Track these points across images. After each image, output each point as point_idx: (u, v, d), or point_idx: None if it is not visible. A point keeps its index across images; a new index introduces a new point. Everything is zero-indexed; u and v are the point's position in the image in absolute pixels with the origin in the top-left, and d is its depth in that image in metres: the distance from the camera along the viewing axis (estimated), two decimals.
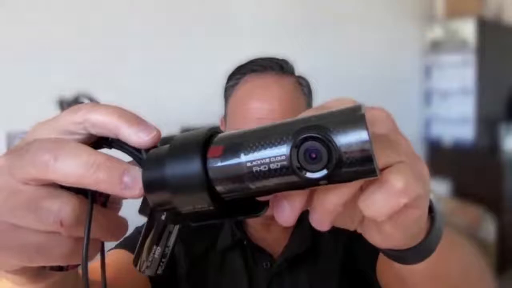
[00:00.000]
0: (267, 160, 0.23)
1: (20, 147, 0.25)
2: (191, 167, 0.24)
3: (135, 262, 0.30)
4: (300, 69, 0.70)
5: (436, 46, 2.76)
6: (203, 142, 0.24)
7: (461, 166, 2.66)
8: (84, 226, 0.25)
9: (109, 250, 0.62)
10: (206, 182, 0.24)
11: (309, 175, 0.22)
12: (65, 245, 0.25)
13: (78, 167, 0.24)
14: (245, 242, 0.67)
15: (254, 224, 0.70)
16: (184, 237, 0.68)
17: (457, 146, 2.68)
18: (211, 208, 0.24)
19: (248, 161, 0.23)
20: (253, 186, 0.24)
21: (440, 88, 2.75)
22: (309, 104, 0.68)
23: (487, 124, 2.65)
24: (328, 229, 0.26)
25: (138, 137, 0.26)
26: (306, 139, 0.22)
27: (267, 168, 0.23)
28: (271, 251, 0.68)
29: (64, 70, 1.35)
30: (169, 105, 1.57)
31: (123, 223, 0.28)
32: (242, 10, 1.83)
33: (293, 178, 0.23)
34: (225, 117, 0.69)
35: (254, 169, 0.23)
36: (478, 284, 0.41)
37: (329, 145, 0.22)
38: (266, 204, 0.27)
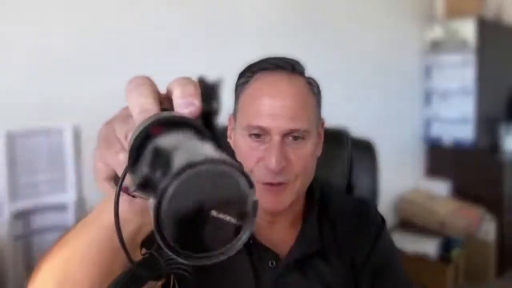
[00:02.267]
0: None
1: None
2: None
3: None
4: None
5: (436, 46, 2.76)
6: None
7: (461, 166, 2.66)
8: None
9: None
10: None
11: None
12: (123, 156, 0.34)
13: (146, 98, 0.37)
14: (250, 241, 0.67)
15: (259, 223, 0.70)
16: None
17: (457, 146, 2.68)
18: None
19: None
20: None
21: (440, 88, 2.75)
22: (318, 104, 0.69)
23: (487, 124, 2.65)
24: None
25: (180, 108, 0.35)
26: None
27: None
28: (277, 250, 0.68)
29: (64, 70, 1.35)
30: None
31: None
32: (243, 10, 1.83)
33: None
34: (234, 115, 0.70)
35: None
36: None
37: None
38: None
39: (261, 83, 0.65)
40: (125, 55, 1.48)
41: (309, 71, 0.70)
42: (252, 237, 0.68)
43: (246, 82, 0.67)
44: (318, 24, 2.12)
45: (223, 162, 0.25)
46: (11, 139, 1.26)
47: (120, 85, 1.52)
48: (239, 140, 0.66)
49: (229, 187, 0.26)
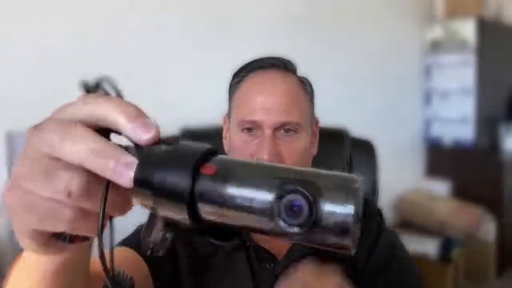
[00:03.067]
0: (251, 198, 0.23)
1: (40, 123, 0.29)
2: (181, 174, 0.24)
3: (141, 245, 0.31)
4: (300, 69, 0.70)
5: (436, 46, 2.76)
6: (201, 155, 0.25)
7: (461, 166, 2.66)
8: (90, 199, 0.26)
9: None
10: (189, 195, 0.24)
11: (283, 226, 0.22)
12: (71, 214, 0.27)
13: (79, 151, 0.26)
14: (248, 243, 0.67)
15: None
16: (186, 238, 0.68)
17: (457, 146, 2.68)
18: (186, 220, 0.25)
19: (234, 193, 0.23)
20: (230, 216, 0.24)
21: (440, 88, 2.75)
22: (311, 102, 0.69)
23: (487, 124, 2.65)
24: None
25: (136, 134, 0.28)
26: (294, 191, 0.22)
27: (248, 205, 0.23)
28: (274, 251, 0.68)
29: (64, 70, 1.35)
30: (169, 105, 1.57)
31: (130, 201, 0.30)
32: (243, 10, 1.83)
33: (268, 224, 0.23)
34: (228, 115, 0.70)
35: (237, 201, 0.23)
36: None
37: (313, 206, 0.22)
38: (237, 235, 0.28)
39: (254, 81, 0.67)
40: (125, 55, 1.48)
41: (309, 71, 0.70)
42: (249, 239, 0.68)
43: (240, 81, 0.68)
44: (318, 25, 2.12)
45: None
46: (11, 139, 1.26)
47: (119, 85, 1.50)
48: (233, 137, 0.67)
49: None
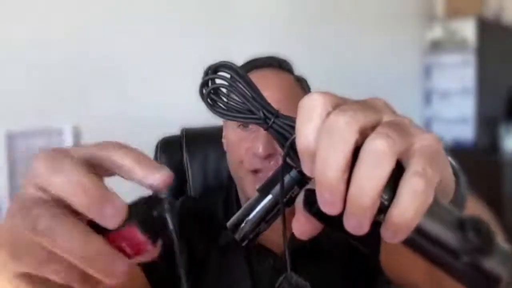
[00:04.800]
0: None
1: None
2: None
3: (234, 229, 0.31)
4: (299, 69, 0.71)
5: (436, 46, 2.76)
6: None
7: (461, 166, 2.65)
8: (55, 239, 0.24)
9: None
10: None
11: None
12: (38, 254, 0.25)
13: (67, 186, 0.24)
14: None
15: None
16: (185, 234, 0.68)
17: (457, 146, 2.68)
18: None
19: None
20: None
21: (440, 88, 2.75)
22: None
23: (487, 124, 2.65)
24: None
25: (150, 182, 0.26)
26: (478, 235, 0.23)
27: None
28: (274, 248, 0.68)
29: (64, 70, 1.35)
30: (169, 105, 1.57)
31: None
32: (242, 10, 1.83)
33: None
34: None
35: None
36: None
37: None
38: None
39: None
40: (125, 55, 1.48)
41: (307, 70, 0.71)
42: None
43: None
44: (318, 24, 2.12)
45: None
46: (11, 139, 1.26)
47: (120, 85, 1.52)
48: (229, 133, 0.68)
49: None
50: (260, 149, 0.62)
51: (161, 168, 0.26)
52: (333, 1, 2.20)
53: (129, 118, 1.47)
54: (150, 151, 1.00)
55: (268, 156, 0.63)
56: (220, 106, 0.31)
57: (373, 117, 0.25)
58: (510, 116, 2.73)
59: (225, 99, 0.31)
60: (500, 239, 0.24)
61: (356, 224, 0.23)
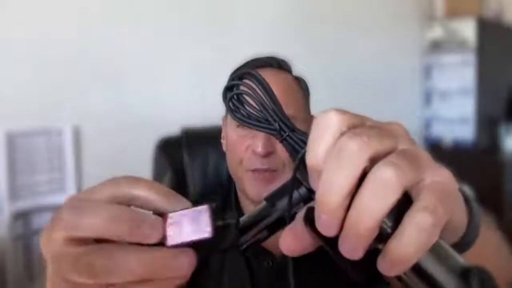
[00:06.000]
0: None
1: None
2: None
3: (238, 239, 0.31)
4: (300, 69, 0.71)
5: (436, 46, 2.76)
6: None
7: (461, 166, 2.64)
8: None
9: None
10: None
11: None
12: None
13: (99, 221, 0.25)
14: None
15: None
16: None
17: (457, 146, 2.68)
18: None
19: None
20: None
21: (440, 88, 2.75)
22: (307, 100, 0.70)
23: (487, 124, 2.65)
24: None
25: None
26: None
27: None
28: (273, 250, 0.68)
29: (63, 70, 1.35)
30: (169, 105, 1.57)
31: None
32: (242, 10, 1.83)
33: None
34: (226, 115, 0.71)
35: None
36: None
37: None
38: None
39: None
40: (125, 55, 1.48)
41: (309, 71, 0.70)
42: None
43: None
44: (318, 24, 2.12)
45: None
46: (11, 139, 1.26)
47: (120, 85, 1.51)
48: (229, 133, 0.68)
49: None
50: (260, 147, 0.62)
51: (180, 199, 0.28)
52: (333, 1, 2.20)
53: (129, 118, 1.47)
54: (150, 151, 1.00)
55: (268, 155, 0.63)
56: (241, 112, 0.32)
57: (387, 145, 0.23)
58: (510, 116, 2.73)
59: (246, 107, 0.32)
60: None
61: (350, 249, 0.23)
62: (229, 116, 0.69)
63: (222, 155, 0.73)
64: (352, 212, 0.22)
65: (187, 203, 0.28)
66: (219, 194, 0.77)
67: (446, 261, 0.23)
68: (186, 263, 0.26)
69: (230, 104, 0.32)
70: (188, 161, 0.93)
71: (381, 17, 2.48)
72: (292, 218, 0.29)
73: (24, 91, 1.28)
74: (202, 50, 1.68)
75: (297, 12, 2.04)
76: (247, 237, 0.31)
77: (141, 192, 0.27)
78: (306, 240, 0.26)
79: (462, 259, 0.24)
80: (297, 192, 0.29)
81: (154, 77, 1.55)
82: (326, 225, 0.23)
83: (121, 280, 0.25)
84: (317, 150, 0.24)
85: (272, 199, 0.30)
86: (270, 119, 0.31)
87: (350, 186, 0.22)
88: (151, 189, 0.27)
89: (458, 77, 2.65)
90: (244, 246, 0.31)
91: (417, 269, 0.23)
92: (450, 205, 0.24)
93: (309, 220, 0.25)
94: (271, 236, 0.31)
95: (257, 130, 0.32)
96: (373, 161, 0.23)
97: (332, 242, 0.24)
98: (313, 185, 0.25)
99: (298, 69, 0.71)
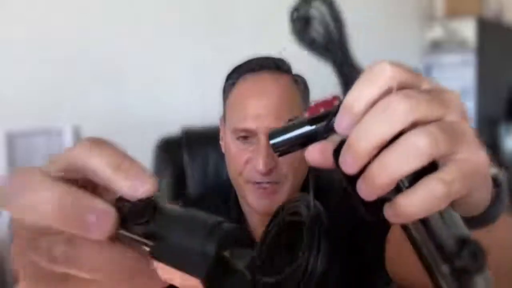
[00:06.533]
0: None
1: None
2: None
3: (271, 136, 0.31)
4: (300, 68, 0.70)
5: (436, 46, 2.76)
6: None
7: None
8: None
9: None
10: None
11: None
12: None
13: (37, 204, 0.21)
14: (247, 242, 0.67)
15: (253, 223, 0.70)
16: None
17: None
18: None
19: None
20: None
21: None
22: (306, 101, 0.68)
23: (487, 124, 2.65)
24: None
25: (131, 192, 0.23)
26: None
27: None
28: None
29: (63, 70, 1.35)
30: (169, 105, 1.57)
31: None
32: (242, 10, 1.83)
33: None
34: (224, 117, 0.70)
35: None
36: None
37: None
38: None
39: (245, 85, 0.65)
40: (125, 55, 1.48)
41: (309, 71, 0.69)
42: (248, 238, 0.68)
43: (232, 84, 0.67)
44: None
45: None
46: (11, 139, 1.26)
47: (120, 85, 1.52)
48: (228, 144, 0.66)
49: None
50: (261, 165, 0.60)
51: (147, 176, 0.23)
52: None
53: (129, 118, 1.47)
54: (150, 151, 1.00)
55: (269, 171, 0.62)
56: (304, 36, 0.31)
57: (434, 114, 0.24)
58: (510, 116, 2.73)
59: (311, 31, 0.31)
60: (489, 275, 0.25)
61: (365, 192, 0.24)
62: (226, 124, 0.68)
63: (222, 155, 0.73)
64: (375, 163, 0.23)
65: (153, 184, 0.23)
66: (219, 194, 0.77)
67: (449, 226, 0.25)
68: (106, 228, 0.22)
69: (296, 25, 0.31)
70: (188, 161, 0.93)
71: (381, 17, 2.48)
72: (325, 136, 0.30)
73: (24, 91, 1.28)
74: (202, 50, 1.67)
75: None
76: (280, 143, 0.31)
77: (95, 165, 0.23)
78: (329, 160, 0.26)
79: (466, 230, 0.25)
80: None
81: (154, 77, 1.55)
82: (348, 165, 0.24)
83: (80, 274, 0.22)
84: (360, 93, 0.25)
85: (313, 120, 0.30)
86: (332, 49, 0.30)
87: (384, 140, 0.23)
88: (106, 163, 0.23)
89: (458, 77, 2.65)
90: (278, 153, 0.31)
91: (422, 223, 0.25)
92: (471, 183, 0.25)
93: (337, 152, 0.26)
94: (297, 149, 0.31)
95: (317, 56, 0.31)
96: (415, 124, 0.23)
97: (351, 177, 0.25)
98: (337, 120, 0.25)
99: (297, 68, 0.71)
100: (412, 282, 0.51)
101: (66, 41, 1.36)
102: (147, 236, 0.22)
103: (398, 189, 0.24)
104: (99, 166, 0.23)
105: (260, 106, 0.62)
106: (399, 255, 0.53)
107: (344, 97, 0.26)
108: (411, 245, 0.26)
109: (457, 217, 0.25)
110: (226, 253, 0.22)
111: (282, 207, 0.57)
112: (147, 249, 0.22)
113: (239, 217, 0.71)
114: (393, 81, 0.25)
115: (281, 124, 0.62)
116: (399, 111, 0.23)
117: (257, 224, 0.70)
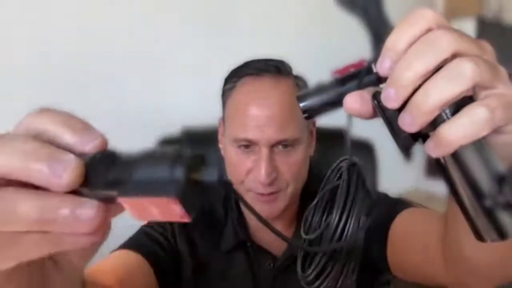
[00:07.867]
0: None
1: None
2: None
3: (300, 99, 0.31)
4: (300, 69, 0.70)
5: None
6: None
7: None
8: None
9: (112, 251, 0.62)
10: None
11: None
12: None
13: (8, 156, 0.22)
14: (248, 244, 0.67)
15: (255, 225, 0.70)
16: (188, 237, 0.68)
17: None
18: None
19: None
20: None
21: None
22: None
23: None
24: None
25: (80, 146, 0.25)
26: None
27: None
28: (273, 251, 0.68)
29: (63, 70, 1.35)
30: (169, 105, 1.57)
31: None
32: (242, 10, 1.83)
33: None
34: (223, 120, 0.70)
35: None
36: None
37: None
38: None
39: (245, 91, 0.64)
40: (125, 54, 1.48)
41: (309, 71, 0.69)
42: (249, 239, 0.68)
43: (232, 88, 0.66)
44: (318, 24, 2.12)
45: None
46: None
47: (120, 85, 1.52)
48: (228, 150, 0.65)
49: None
50: (263, 177, 0.60)
51: (95, 132, 0.25)
52: (333, 1, 2.20)
53: (129, 118, 1.47)
54: None
55: (271, 182, 0.62)
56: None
57: (474, 49, 0.26)
58: None
59: None
60: None
61: (408, 122, 0.24)
62: (226, 130, 0.67)
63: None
64: (420, 91, 0.24)
65: (101, 139, 0.25)
66: (219, 192, 0.77)
67: (486, 161, 0.25)
68: (89, 216, 0.21)
69: None
70: None
71: None
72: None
73: (24, 91, 1.28)
74: (202, 50, 1.67)
75: (297, 11, 2.04)
76: (309, 105, 0.31)
77: (48, 126, 0.25)
78: (368, 106, 0.27)
79: (503, 166, 0.26)
80: (368, 77, 0.30)
81: (154, 77, 1.55)
82: (392, 98, 0.25)
83: (11, 229, 0.21)
84: (401, 33, 0.26)
85: (342, 80, 0.31)
86: (370, 8, 0.32)
87: (428, 69, 0.24)
88: (54, 121, 0.25)
89: None
90: (306, 115, 0.31)
91: (457, 158, 0.25)
92: (511, 114, 0.25)
93: (376, 96, 0.27)
94: (327, 110, 0.31)
95: (355, 16, 0.33)
96: (456, 57, 0.25)
97: (390, 117, 0.26)
98: (379, 62, 0.26)
99: (297, 68, 0.70)
100: (414, 275, 0.52)
101: (66, 41, 1.35)
102: (112, 184, 0.23)
103: (438, 122, 0.25)
104: (48, 125, 0.25)
105: (261, 116, 0.61)
106: (402, 252, 0.54)
107: (373, 60, 0.28)
108: (448, 187, 0.27)
109: (493, 153, 0.26)
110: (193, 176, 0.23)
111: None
112: (115, 193, 0.23)
113: (239, 217, 0.71)
114: (433, 22, 0.26)
115: (284, 135, 0.62)
116: (443, 41, 0.24)
117: (257, 226, 0.70)
